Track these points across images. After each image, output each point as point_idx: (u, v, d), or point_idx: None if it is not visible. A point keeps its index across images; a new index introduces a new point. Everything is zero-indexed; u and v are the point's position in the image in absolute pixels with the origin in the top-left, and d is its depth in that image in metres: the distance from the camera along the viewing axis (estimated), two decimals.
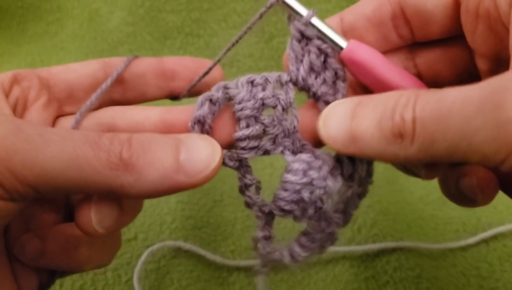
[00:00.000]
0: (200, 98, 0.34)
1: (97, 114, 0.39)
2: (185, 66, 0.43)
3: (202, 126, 0.34)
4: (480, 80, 0.36)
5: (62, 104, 0.40)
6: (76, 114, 0.39)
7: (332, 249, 0.58)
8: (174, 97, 0.44)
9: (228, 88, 0.34)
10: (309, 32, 0.34)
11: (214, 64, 0.40)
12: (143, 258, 0.57)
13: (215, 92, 0.34)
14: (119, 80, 0.41)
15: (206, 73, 0.41)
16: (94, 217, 0.33)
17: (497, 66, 0.33)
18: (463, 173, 0.36)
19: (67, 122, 0.39)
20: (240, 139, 0.34)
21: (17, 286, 0.36)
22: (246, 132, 0.33)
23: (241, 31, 0.36)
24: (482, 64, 0.35)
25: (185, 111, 0.36)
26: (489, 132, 0.24)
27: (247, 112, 0.33)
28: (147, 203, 0.64)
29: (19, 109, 0.37)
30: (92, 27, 0.87)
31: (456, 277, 0.57)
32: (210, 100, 0.34)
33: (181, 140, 0.31)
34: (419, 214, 0.64)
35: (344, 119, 0.31)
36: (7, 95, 0.36)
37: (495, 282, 0.56)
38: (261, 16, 0.35)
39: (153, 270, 0.58)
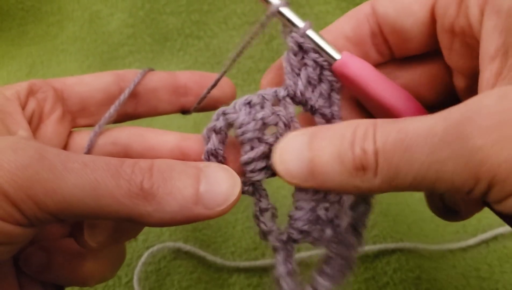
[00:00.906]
0: (204, 131, 0.34)
1: (113, 133, 0.39)
2: (196, 81, 0.43)
3: (216, 157, 0.33)
4: (458, 99, 0.36)
5: (76, 117, 0.40)
6: (89, 126, 0.40)
7: None
8: (185, 111, 0.44)
9: (226, 113, 0.33)
10: (306, 45, 0.34)
11: (220, 77, 0.40)
12: (143, 259, 0.58)
13: (216, 122, 0.33)
14: (133, 94, 0.41)
15: (213, 86, 0.41)
16: (86, 231, 0.34)
17: (474, 83, 0.33)
18: None
19: (81, 137, 0.40)
20: (247, 163, 0.33)
21: None
22: (251, 154, 0.33)
23: (242, 43, 0.36)
24: (459, 82, 0.35)
25: (202, 140, 0.36)
26: (456, 163, 0.25)
27: (249, 135, 0.32)
28: None
29: (34, 122, 0.37)
30: (92, 29, 0.87)
31: (456, 278, 0.57)
32: (214, 131, 0.33)
33: (202, 169, 0.31)
34: (419, 215, 0.64)
35: (301, 153, 0.30)
36: (23, 107, 0.36)
37: (495, 283, 0.56)
38: (262, 26, 0.35)
39: (153, 271, 0.58)
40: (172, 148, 0.37)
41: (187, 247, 0.59)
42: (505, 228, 0.60)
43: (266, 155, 0.33)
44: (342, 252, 0.36)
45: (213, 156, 0.33)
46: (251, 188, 0.34)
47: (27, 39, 0.89)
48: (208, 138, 0.33)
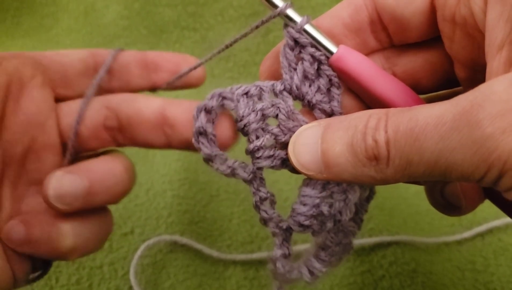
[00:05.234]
0: (194, 110, 0.33)
1: (106, 97, 0.40)
2: (167, 59, 0.44)
3: (206, 136, 0.33)
4: (458, 86, 0.36)
5: (56, 87, 0.40)
6: (69, 99, 0.40)
7: None
8: (153, 89, 0.45)
9: (224, 97, 0.33)
10: (303, 39, 0.34)
11: (200, 64, 0.41)
12: (139, 252, 0.57)
13: (209, 101, 0.33)
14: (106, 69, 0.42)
15: (190, 70, 0.42)
16: (51, 191, 0.33)
17: (475, 73, 0.33)
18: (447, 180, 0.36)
19: (69, 105, 0.40)
20: (255, 150, 0.33)
21: (11, 269, 0.36)
22: (257, 142, 0.33)
23: (238, 36, 0.36)
24: (460, 71, 0.34)
25: (183, 103, 0.37)
26: (466, 151, 0.24)
27: (253, 126, 0.32)
28: (143, 197, 0.64)
29: (15, 86, 0.36)
30: (87, 21, 0.86)
31: (452, 271, 0.57)
32: (205, 110, 0.33)
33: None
34: (415, 208, 0.64)
35: (314, 145, 0.30)
36: None
37: (490, 276, 0.56)
38: (257, 27, 0.34)
39: (150, 264, 0.58)
40: (155, 110, 0.38)
41: (184, 240, 0.59)
42: (500, 221, 0.60)
43: (273, 145, 0.33)
44: (340, 240, 0.36)
45: (202, 135, 0.33)
46: (251, 175, 0.34)
47: (21, 30, 0.88)
48: (197, 117, 0.33)
